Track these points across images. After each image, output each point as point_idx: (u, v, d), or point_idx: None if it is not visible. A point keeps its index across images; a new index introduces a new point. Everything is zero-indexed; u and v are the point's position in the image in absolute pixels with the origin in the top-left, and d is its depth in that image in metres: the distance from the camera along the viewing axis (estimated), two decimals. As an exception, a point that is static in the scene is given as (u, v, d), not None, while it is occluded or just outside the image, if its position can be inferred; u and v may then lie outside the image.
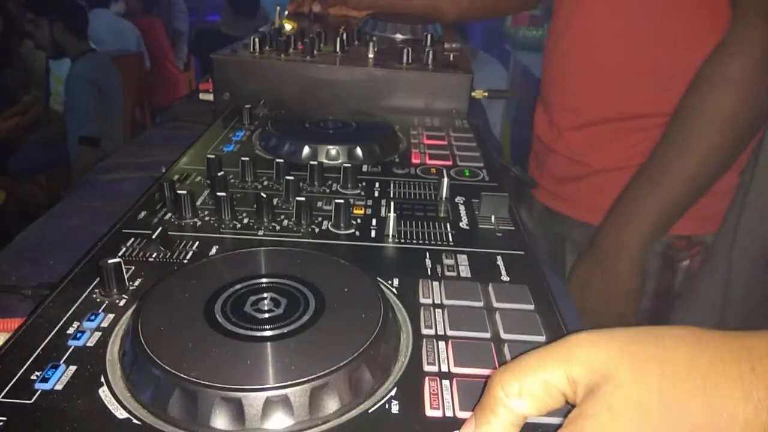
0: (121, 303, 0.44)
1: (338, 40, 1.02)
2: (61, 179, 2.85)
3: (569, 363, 0.30)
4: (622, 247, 0.83)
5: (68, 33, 2.65)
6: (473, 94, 0.96)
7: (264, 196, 0.57)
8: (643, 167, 0.83)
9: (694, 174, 0.79)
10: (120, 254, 0.50)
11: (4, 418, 0.33)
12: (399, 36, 1.22)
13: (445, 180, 0.64)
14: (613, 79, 0.95)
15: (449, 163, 0.74)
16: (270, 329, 0.38)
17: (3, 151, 2.98)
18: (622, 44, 0.93)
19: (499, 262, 0.52)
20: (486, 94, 1.01)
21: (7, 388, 0.35)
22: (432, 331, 0.42)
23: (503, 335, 0.42)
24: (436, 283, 0.48)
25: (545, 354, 0.31)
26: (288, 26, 1.22)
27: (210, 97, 0.98)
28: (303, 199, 0.57)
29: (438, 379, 0.38)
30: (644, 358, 0.29)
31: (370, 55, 0.99)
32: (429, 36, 1.11)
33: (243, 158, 0.66)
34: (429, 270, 0.50)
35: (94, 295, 0.44)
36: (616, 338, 0.31)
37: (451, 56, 1.04)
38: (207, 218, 0.57)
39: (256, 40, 0.97)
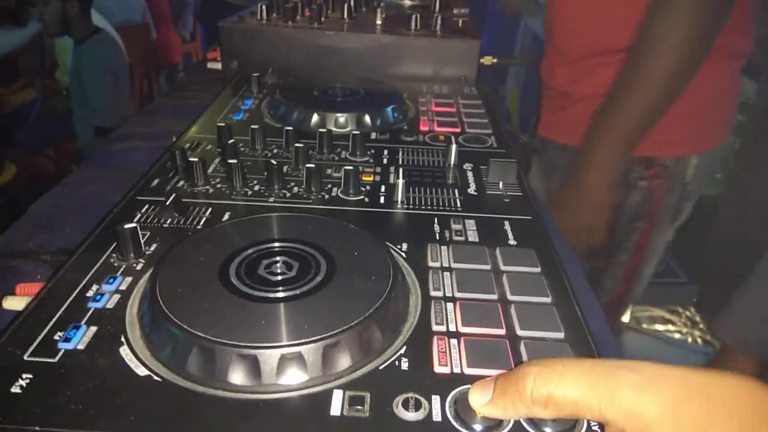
0: (138, 267, 0.45)
1: (346, 6, 1.01)
2: (70, 151, 2.86)
3: (608, 402, 0.28)
4: (592, 164, 0.93)
5: (81, 13, 2.59)
6: (482, 60, 0.96)
7: (274, 163, 0.58)
8: (608, 95, 0.91)
9: (649, 96, 0.87)
10: (135, 220, 0.51)
11: (30, 376, 0.35)
12: (407, 1, 1.21)
13: (454, 147, 0.64)
14: (594, 18, 1.01)
15: (458, 130, 0.74)
16: (283, 291, 0.39)
17: (11, 124, 2.99)
18: None
19: (507, 226, 0.53)
20: (495, 60, 1.01)
21: (32, 348, 0.37)
22: (440, 293, 0.43)
23: (510, 297, 0.43)
24: (444, 248, 0.49)
25: (586, 380, 0.29)
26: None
27: (218, 65, 0.99)
28: (313, 165, 0.58)
29: (446, 338, 0.39)
30: (688, 425, 0.27)
31: (378, 22, 0.98)
32: (437, 2, 1.10)
33: (253, 126, 0.66)
34: (437, 235, 0.51)
35: (112, 260, 0.46)
36: (664, 392, 0.28)
37: (460, 22, 1.03)
38: (218, 185, 0.58)
39: (264, 7, 0.96)
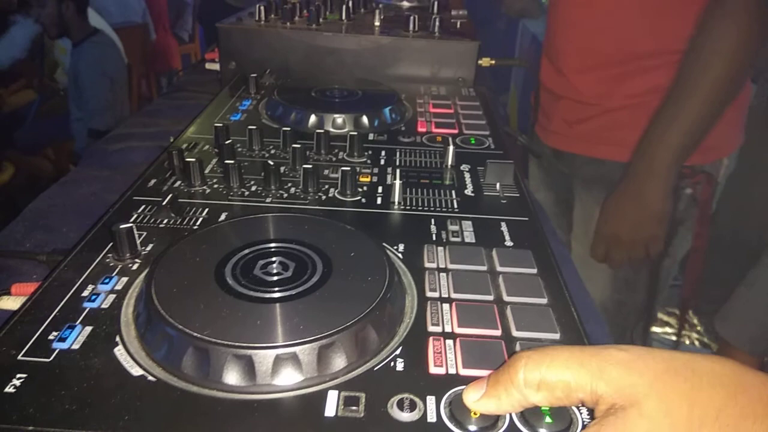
0: (134, 267, 0.45)
1: (344, 7, 1.01)
2: (68, 151, 2.86)
3: (598, 378, 0.29)
4: (651, 173, 0.91)
5: (77, 14, 2.58)
6: (480, 62, 0.96)
7: (271, 164, 0.58)
8: (663, 102, 0.90)
9: (708, 102, 0.87)
10: (132, 220, 0.51)
11: (25, 375, 0.35)
12: (406, 3, 1.21)
13: (451, 148, 0.64)
14: (615, 21, 0.99)
15: (455, 131, 0.74)
16: (279, 291, 0.39)
17: (9, 124, 2.98)
18: None
19: (503, 227, 0.53)
20: (493, 62, 1.01)
21: (27, 347, 0.37)
22: (436, 294, 0.43)
23: (506, 297, 0.43)
24: (440, 248, 0.49)
25: (576, 359, 0.30)
26: (293, -6, 1.21)
27: (216, 66, 0.99)
28: (310, 166, 0.58)
29: (442, 339, 0.39)
30: (675, 394, 0.28)
31: (377, 23, 0.98)
32: (436, 3, 1.10)
33: (250, 127, 0.66)
34: (434, 236, 0.51)
35: (108, 260, 0.46)
36: (650, 365, 0.29)
37: (458, 24, 1.03)
38: (215, 186, 0.58)
39: (262, 8, 0.96)
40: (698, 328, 2.16)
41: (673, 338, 2.09)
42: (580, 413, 0.33)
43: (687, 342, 2.11)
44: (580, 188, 1.15)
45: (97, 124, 2.56)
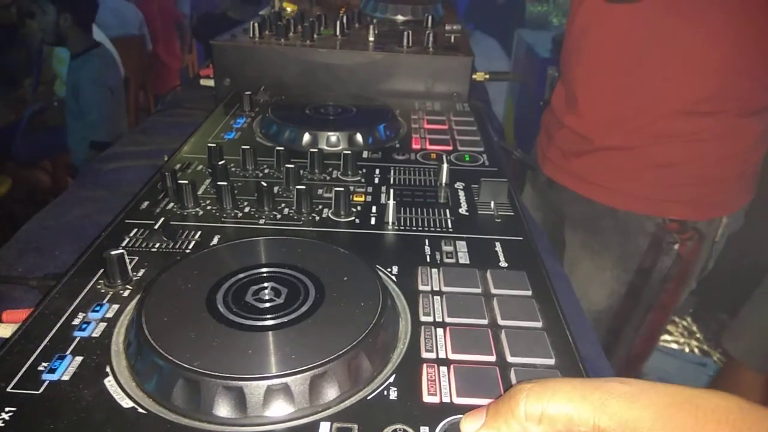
0: (125, 293, 0.45)
1: (338, 23, 1.01)
2: (65, 164, 2.85)
3: (601, 412, 0.29)
4: None
5: (75, 27, 2.59)
6: (474, 76, 0.96)
7: (265, 184, 0.57)
8: None
9: None
10: (123, 245, 0.51)
11: (14, 409, 0.34)
12: (400, 17, 1.21)
13: (445, 166, 0.64)
14: (636, 81, 0.96)
15: (449, 147, 0.74)
16: (271, 318, 0.39)
17: (6, 137, 2.98)
18: (640, 35, 0.94)
19: (498, 248, 0.52)
20: (487, 76, 1.01)
21: (16, 379, 0.36)
22: (430, 318, 0.43)
23: (500, 321, 0.43)
24: (435, 270, 0.48)
25: (578, 392, 0.30)
26: (288, 9, 1.22)
27: (211, 82, 0.98)
28: (303, 187, 0.57)
29: (436, 365, 0.38)
30: (679, 430, 0.28)
31: (371, 39, 0.99)
32: (430, 18, 1.10)
33: (243, 147, 0.66)
34: (428, 257, 0.51)
35: (99, 286, 0.45)
36: (654, 399, 0.29)
37: (452, 38, 1.04)
38: (209, 207, 0.58)
39: (256, 24, 0.97)
40: (698, 335, 2.16)
41: (674, 346, 2.09)
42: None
43: (687, 350, 2.10)
44: (568, 228, 1.12)
45: (99, 136, 2.56)
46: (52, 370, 0.37)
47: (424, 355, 0.39)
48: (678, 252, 0.98)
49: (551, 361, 0.39)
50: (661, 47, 0.92)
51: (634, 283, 1.03)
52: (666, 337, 2.13)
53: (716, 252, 1.05)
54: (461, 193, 0.62)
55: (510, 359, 0.39)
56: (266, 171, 0.66)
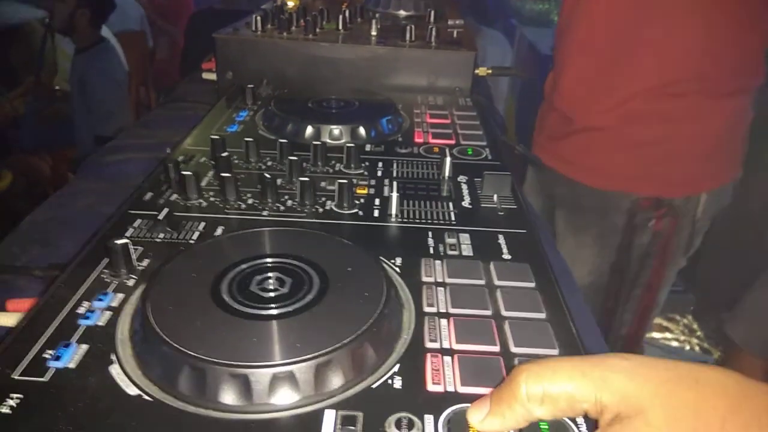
0: (130, 283, 0.45)
1: (341, 17, 1.01)
2: (67, 158, 2.85)
3: (602, 388, 0.29)
4: None
5: (89, 25, 2.59)
6: (477, 71, 0.96)
7: (268, 176, 0.57)
8: None
9: None
10: (127, 235, 0.51)
11: (21, 396, 0.34)
12: (402, 12, 1.21)
13: (448, 159, 0.64)
14: (603, 53, 1.01)
15: (452, 141, 0.74)
16: (275, 308, 0.39)
17: (7, 131, 2.97)
18: (616, 17, 0.99)
19: (501, 240, 0.52)
20: (489, 71, 1.01)
21: (22, 367, 0.37)
22: (434, 309, 0.43)
23: (504, 312, 0.43)
24: (438, 262, 0.48)
25: (578, 370, 0.30)
26: (290, 2, 1.21)
27: (213, 76, 0.99)
28: (307, 179, 0.57)
29: (440, 355, 0.38)
30: (680, 404, 0.28)
31: (373, 33, 0.99)
32: (432, 12, 1.10)
33: (246, 139, 0.66)
34: (431, 249, 0.51)
35: (103, 276, 0.45)
36: (653, 373, 0.29)
37: (455, 33, 1.04)
38: (212, 199, 0.58)
39: (258, 18, 0.97)
40: (698, 333, 2.16)
41: (674, 344, 2.09)
42: (578, 428, 0.33)
43: (687, 348, 2.10)
44: (557, 209, 1.17)
45: (105, 130, 2.56)
46: (57, 358, 0.37)
47: (428, 345, 0.39)
48: (654, 229, 1.02)
49: (555, 352, 0.39)
50: (634, 29, 0.96)
51: (616, 260, 1.07)
52: (667, 335, 2.14)
53: (701, 230, 1.09)
54: (464, 187, 0.63)
55: (514, 349, 0.39)
56: (269, 163, 0.66)
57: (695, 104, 0.97)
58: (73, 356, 0.37)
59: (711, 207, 1.06)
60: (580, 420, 0.33)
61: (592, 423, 0.32)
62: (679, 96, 0.96)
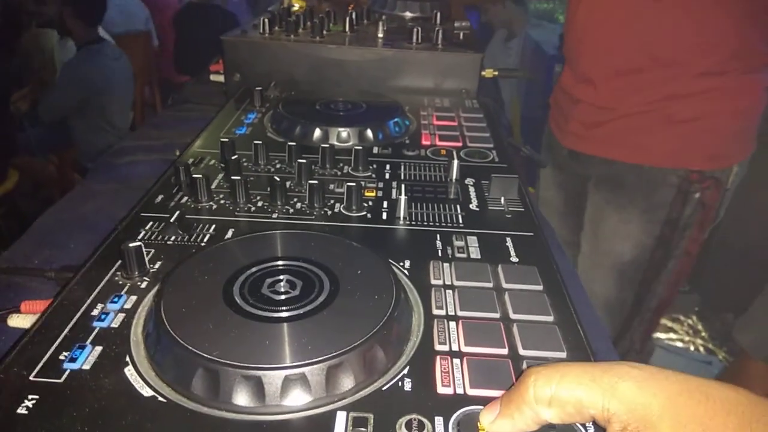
0: (143, 285, 0.45)
1: (347, 19, 1.02)
2: (72, 159, 2.86)
3: (610, 396, 0.29)
4: None
5: (77, 20, 2.60)
6: (483, 73, 0.96)
7: (277, 179, 0.58)
8: None
9: None
10: (140, 237, 0.51)
11: (37, 397, 0.35)
12: (408, 14, 1.22)
13: (455, 162, 0.65)
14: (634, 30, 1.02)
15: (459, 144, 0.75)
16: (287, 310, 0.40)
17: (13, 132, 2.98)
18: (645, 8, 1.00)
19: (509, 243, 0.53)
20: (496, 73, 1.01)
21: (37, 368, 0.37)
22: (443, 312, 0.43)
23: (512, 315, 0.43)
24: (446, 265, 0.49)
25: (588, 376, 0.30)
26: (297, 5, 1.22)
27: (221, 78, 0.99)
28: (315, 182, 0.58)
29: (449, 357, 0.39)
30: (689, 419, 0.28)
31: (380, 35, 0.99)
32: (438, 14, 1.11)
33: (255, 142, 0.67)
34: (440, 251, 0.51)
35: (117, 278, 0.46)
36: (664, 385, 0.29)
37: (461, 35, 1.04)
38: (222, 201, 0.58)
39: (266, 20, 0.97)
40: (703, 334, 2.16)
41: (678, 344, 2.09)
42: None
43: (692, 348, 2.10)
44: (592, 188, 1.19)
45: (97, 131, 2.58)
46: (72, 360, 0.38)
47: (438, 347, 0.40)
48: (700, 199, 1.06)
49: (563, 355, 0.40)
50: (670, 17, 0.98)
51: (662, 233, 1.10)
52: (671, 335, 2.13)
53: (727, 199, 1.13)
54: (471, 189, 0.63)
55: (522, 352, 0.40)
56: (278, 166, 0.67)
57: (733, 81, 0.99)
58: (87, 358, 0.38)
59: (738, 178, 1.10)
60: (589, 425, 0.34)
61: (601, 430, 0.32)
62: (717, 75, 0.99)
